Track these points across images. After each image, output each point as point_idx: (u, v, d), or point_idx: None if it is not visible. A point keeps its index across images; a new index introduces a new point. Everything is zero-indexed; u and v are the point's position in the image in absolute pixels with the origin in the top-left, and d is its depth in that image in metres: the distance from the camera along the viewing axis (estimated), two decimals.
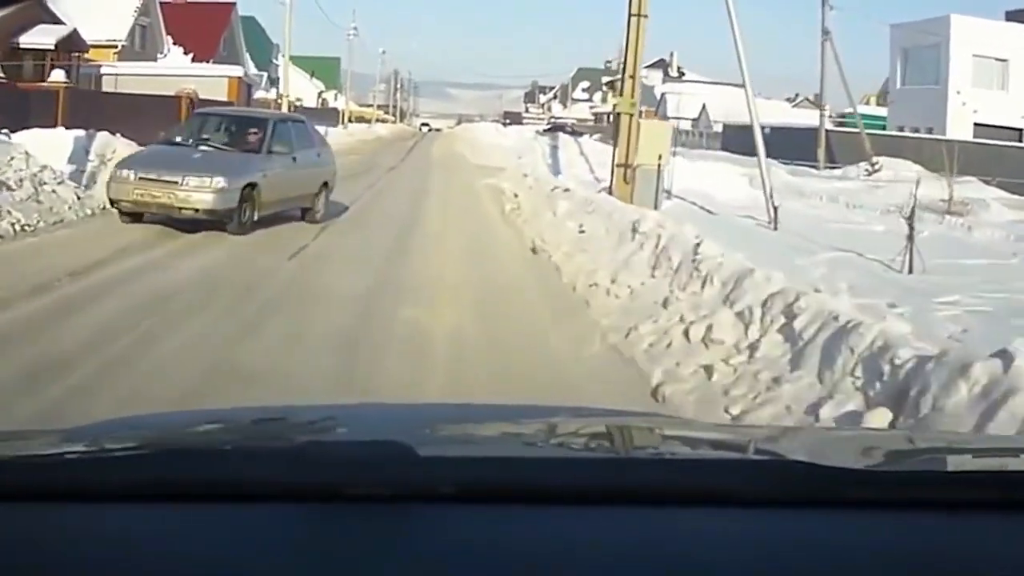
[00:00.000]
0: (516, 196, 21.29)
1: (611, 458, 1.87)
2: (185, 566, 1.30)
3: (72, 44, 39.42)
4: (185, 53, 49.15)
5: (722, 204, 22.28)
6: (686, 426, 2.86)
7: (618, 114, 19.90)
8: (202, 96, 37.43)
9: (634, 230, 11.74)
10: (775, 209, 16.79)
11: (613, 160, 20.08)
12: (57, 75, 30.26)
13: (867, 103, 46.01)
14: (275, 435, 2.01)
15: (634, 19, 18.90)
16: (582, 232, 13.68)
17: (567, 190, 17.71)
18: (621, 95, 19.55)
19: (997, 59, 48.62)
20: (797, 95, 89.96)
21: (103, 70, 40.71)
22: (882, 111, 53.87)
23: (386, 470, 1.43)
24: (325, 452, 1.59)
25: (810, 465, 1.59)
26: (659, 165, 19.13)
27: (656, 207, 18.65)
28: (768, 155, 45.66)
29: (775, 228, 16.79)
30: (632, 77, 19.00)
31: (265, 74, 62.15)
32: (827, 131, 45.82)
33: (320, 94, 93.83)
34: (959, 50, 48.12)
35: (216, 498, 1.43)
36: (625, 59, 19.27)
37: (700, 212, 20.48)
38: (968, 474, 1.79)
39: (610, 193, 19.15)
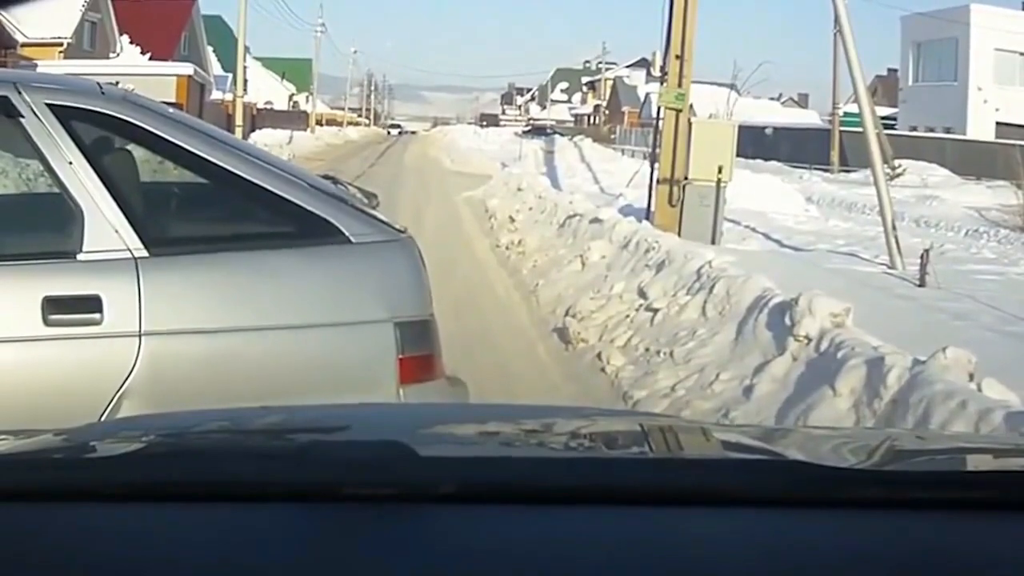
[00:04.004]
0: (512, 220, 16.24)
1: (612, 458, 1.83)
2: (185, 566, 1.29)
3: None
4: (142, 52, 46.32)
5: (788, 230, 17.50)
6: (687, 426, 2.68)
7: (659, 110, 14.59)
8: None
9: (785, 326, 6.10)
10: (922, 257, 11.27)
11: (652, 174, 14.81)
12: None
13: (853, 101, 43.69)
14: (275, 435, 1.94)
15: None
16: (651, 310, 8.02)
17: (597, 220, 12.09)
18: (663, 83, 14.17)
19: (1021, 53, 46.74)
20: (781, 95, 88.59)
21: (39, 69, 36.95)
22: (878, 110, 51.96)
23: (386, 470, 1.43)
24: (325, 452, 1.60)
25: (810, 465, 1.59)
26: (719, 182, 13.81)
27: (715, 240, 13.78)
28: (774, 157, 43.21)
29: (921, 283, 11.26)
30: (679, 58, 13.61)
31: (231, 75, 58.98)
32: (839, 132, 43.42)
33: (291, 97, 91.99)
34: (980, 43, 46.29)
35: (216, 498, 1.43)
36: (668, 33, 13.87)
37: (770, 244, 15.44)
38: (968, 474, 1.76)
39: (648, 219, 13.93)
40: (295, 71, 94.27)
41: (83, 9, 43.02)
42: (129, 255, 3.36)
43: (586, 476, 1.52)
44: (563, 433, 2.02)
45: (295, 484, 1.42)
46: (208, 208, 3.80)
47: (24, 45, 38.33)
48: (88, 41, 44.71)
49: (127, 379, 3.31)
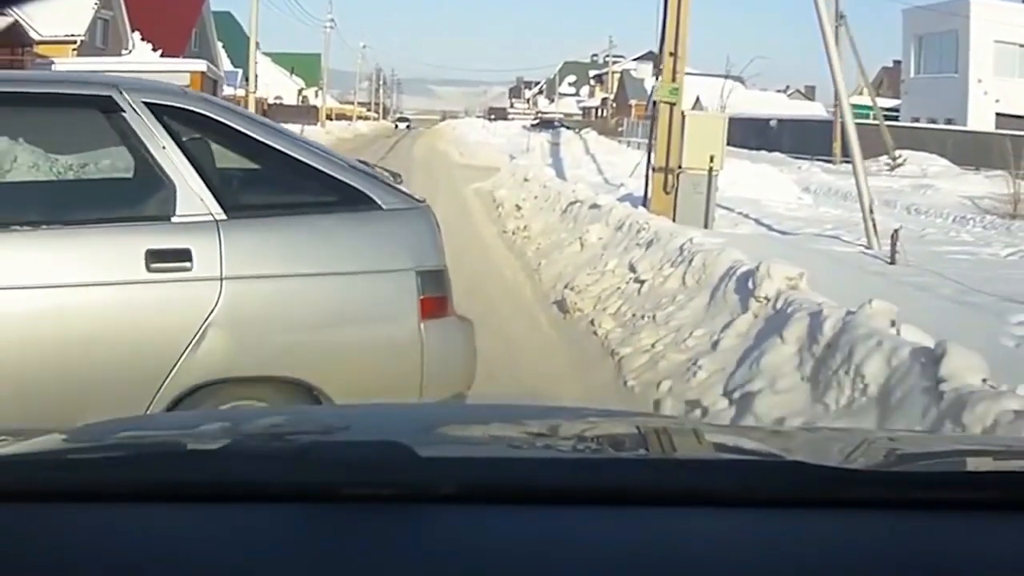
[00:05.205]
0: (519, 208, 17.03)
1: (612, 459, 1.83)
2: (185, 566, 1.29)
3: (14, 37, 36.62)
4: (154, 49, 46.44)
5: (779, 216, 18.09)
6: (688, 427, 2.72)
7: (655, 103, 15.42)
8: None
9: (748, 290, 7.05)
10: (893, 237, 12.19)
11: (648, 163, 15.61)
12: None
13: (860, 93, 44.48)
14: (276, 435, 1.95)
15: None
16: (639, 281, 8.96)
17: (596, 206, 13.00)
18: (659, 78, 15.03)
19: (1020, 45, 47.01)
20: (788, 87, 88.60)
21: (55, 66, 37.39)
22: (883, 102, 51.91)
23: (386, 470, 1.43)
24: (326, 452, 1.61)
25: (810, 465, 1.58)
26: (710, 170, 14.62)
27: (707, 225, 14.54)
28: (777, 149, 43.62)
29: (892, 260, 12.15)
30: (673, 55, 14.46)
31: (241, 70, 59.47)
32: (840, 123, 42.63)
33: (300, 91, 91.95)
34: (980, 36, 46.52)
35: (217, 498, 1.43)
36: (663, 30, 14.71)
37: (761, 229, 16.10)
38: (968, 474, 1.76)
39: (644, 205, 14.75)
40: (304, 66, 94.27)
41: (96, 7, 43.25)
42: (211, 218, 4.29)
43: (586, 477, 1.53)
44: (564, 434, 2.03)
45: (296, 485, 1.43)
46: (271, 182, 4.66)
47: (38, 43, 38.55)
48: (100, 38, 44.90)
49: (211, 313, 4.23)
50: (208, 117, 4.49)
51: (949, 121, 45.44)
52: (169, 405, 4.20)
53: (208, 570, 1.28)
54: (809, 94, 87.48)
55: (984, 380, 4.70)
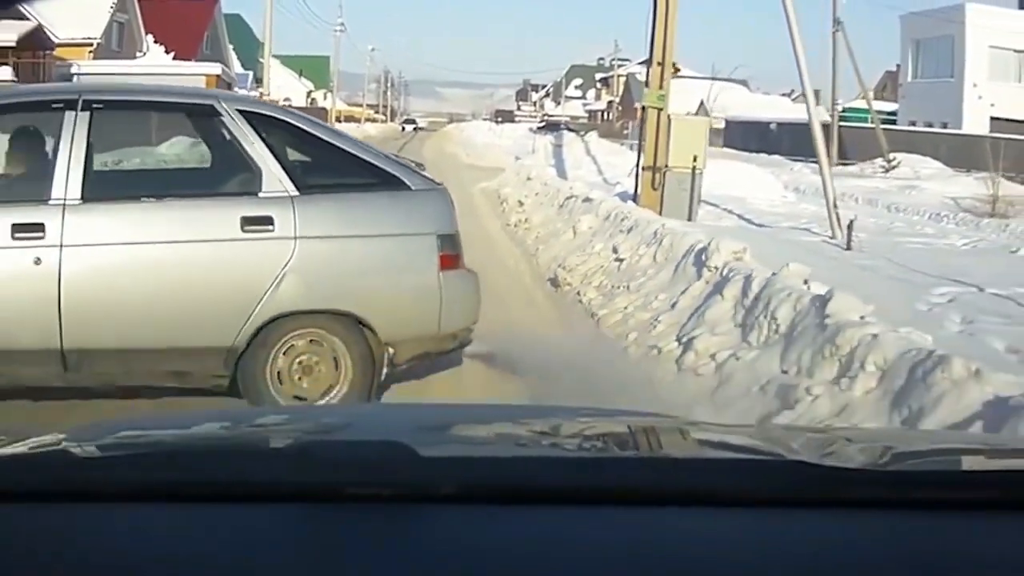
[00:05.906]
0: (521, 204, 18.58)
1: (612, 458, 1.84)
2: (185, 566, 1.29)
3: (36, 41, 37.63)
4: (167, 52, 47.53)
5: (761, 211, 19.52)
6: (687, 427, 2.56)
7: (644, 109, 16.92)
8: None
9: (702, 262, 8.61)
10: (849, 226, 13.71)
11: (638, 163, 17.11)
12: (3, 73, 27.87)
13: (862, 97, 45.80)
14: (276, 435, 1.98)
15: None
16: (619, 260, 10.54)
17: (588, 199, 14.57)
18: (648, 86, 16.54)
19: (1015, 51, 47.77)
20: (793, 91, 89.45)
21: (74, 69, 37.89)
22: (881, 106, 52.60)
23: (387, 470, 1.43)
24: (326, 452, 1.60)
25: (810, 465, 1.58)
26: (694, 169, 16.11)
27: (691, 218, 15.97)
28: (776, 152, 44.65)
29: (848, 247, 13.68)
30: (661, 64, 15.97)
31: (251, 73, 60.60)
32: (839, 127, 43.45)
33: (309, 93, 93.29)
34: (975, 41, 47.27)
35: (217, 498, 1.43)
36: (652, 41, 16.20)
37: (742, 223, 17.56)
38: (968, 474, 1.78)
39: (634, 201, 16.23)
40: (313, 68, 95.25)
41: (112, 10, 44.22)
42: (287, 194, 5.90)
43: (586, 477, 1.53)
44: (563, 434, 2.04)
45: (296, 484, 1.44)
46: (329, 168, 6.19)
47: (57, 46, 39.44)
48: (116, 41, 45.71)
49: (288, 262, 5.83)
50: (283, 120, 6.12)
51: (945, 125, 46.13)
52: (258, 328, 5.78)
53: (208, 570, 1.29)
54: (818, 98, 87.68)
55: (862, 317, 6.23)
